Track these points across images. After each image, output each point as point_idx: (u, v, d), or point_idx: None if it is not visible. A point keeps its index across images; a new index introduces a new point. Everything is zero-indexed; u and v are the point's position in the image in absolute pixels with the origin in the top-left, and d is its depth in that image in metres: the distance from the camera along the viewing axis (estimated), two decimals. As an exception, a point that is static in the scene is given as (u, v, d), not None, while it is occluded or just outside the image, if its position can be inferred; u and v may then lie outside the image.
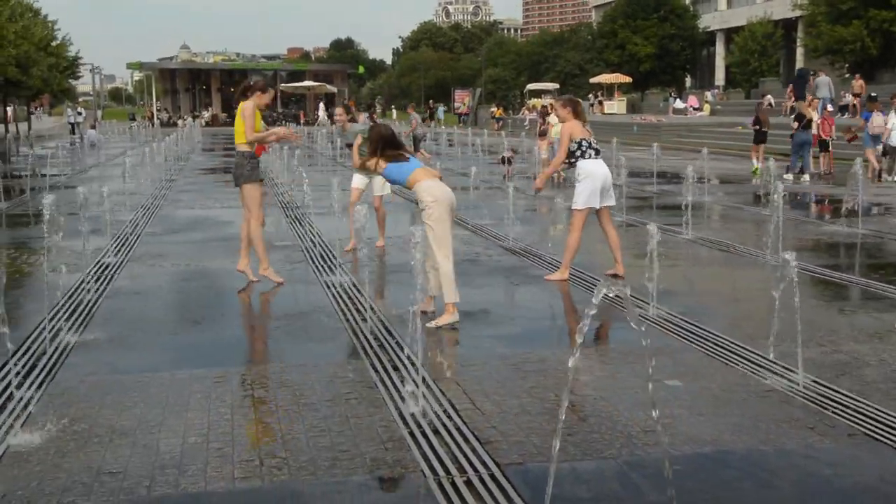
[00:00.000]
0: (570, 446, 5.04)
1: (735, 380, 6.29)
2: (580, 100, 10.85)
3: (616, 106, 59.85)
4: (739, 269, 10.40)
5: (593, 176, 9.47)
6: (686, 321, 7.89)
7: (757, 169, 22.88)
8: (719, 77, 71.16)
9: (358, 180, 11.91)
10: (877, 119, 21.21)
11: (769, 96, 41.80)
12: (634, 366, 6.65)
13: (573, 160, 9.58)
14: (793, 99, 33.67)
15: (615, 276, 9.62)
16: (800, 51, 57.96)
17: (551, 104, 26.35)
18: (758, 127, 23.95)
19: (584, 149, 9.51)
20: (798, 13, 52.06)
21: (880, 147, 21.11)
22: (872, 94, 25.38)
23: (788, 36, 61.10)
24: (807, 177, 21.34)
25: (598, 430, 5.34)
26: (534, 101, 62.78)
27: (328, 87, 70.55)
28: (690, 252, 11.67)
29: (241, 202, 9.54)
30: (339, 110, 12.75)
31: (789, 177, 21.20)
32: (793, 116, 23.23)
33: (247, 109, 9.20)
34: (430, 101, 75.85)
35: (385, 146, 7.96)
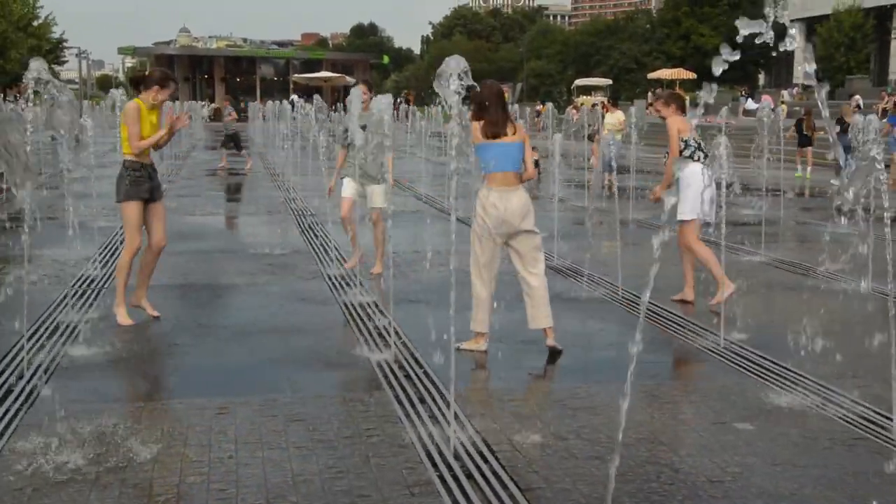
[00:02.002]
0: (624, 497, 5.02)
1: (817, 425, 6.24)
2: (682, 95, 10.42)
3: (678, 105, 59.65)
4: (822, 297, 10.32)
5: (700, 182, 9.42)
6: (759, 355, 7.85)
7: (799, 174, 25.71)
8: (799, 74, 70.82)
9: (349, 189, 11.08)
10: None
11: (857, 96, 41.58)
12: (699, 405, 6.62)
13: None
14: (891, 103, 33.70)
15: (683, 301, 9.60)
16: (895, 44, 57.57)
17: (603, 103, 26.41)
18: (799, 132, 26.75)
19: (692, 149, 9.53)
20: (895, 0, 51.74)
21: None
22: None
23: (881, 27, 60.67)
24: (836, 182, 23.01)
25: (657, 478, 5.31)
26: (582, 98, 62.77)
27: (347, 78, 71.06)
28: (764, 276, 11.60)
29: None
30: (363, 87, 11.14)
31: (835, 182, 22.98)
32: (835, 121, 25.46)
33: (129, 113, 8.42)
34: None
35: (491, 106, 7.67)
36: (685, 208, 9.48)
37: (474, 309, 7.81)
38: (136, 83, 8.66)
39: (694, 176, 9.46)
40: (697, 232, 9.62)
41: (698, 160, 9.53)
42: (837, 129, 24.03)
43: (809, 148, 26.42)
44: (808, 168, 26.03)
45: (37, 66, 7.68)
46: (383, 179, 10.56)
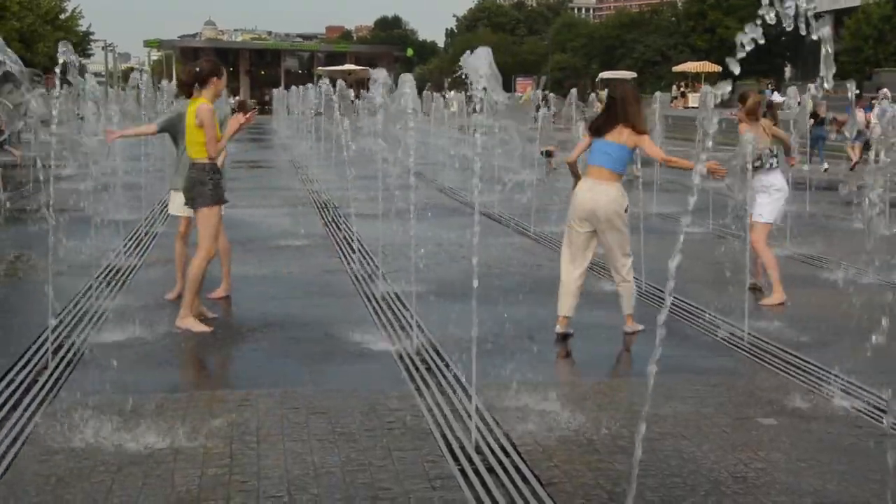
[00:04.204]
0: (647, 491, 5.00)
1: (843, 421, 6.19)
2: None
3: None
4: (847, 291, 10.23)
5: (785, 191, 9.88)
6: (784, 350, 7.79)
7: None
8: (823, 68, 70.12)
9: (178, 204, 9.15)
10: (859, 115, 26.03)
11: (885, 90, 41.15)
12: (722, 399, 6.58)
13: (762, 165, 9.65)
14: None
15: (777, 304, 9.52)
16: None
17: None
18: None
19: (776, 156, 9.83)
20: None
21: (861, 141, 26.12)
22: (857, 92, 29.60)
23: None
24: (826, 165, 25.21)
25: (679, 473, 5.29)
26: (606, 91, 62.55)
27: (370, 71, 70.84)
28: (787, 270, 11.50)
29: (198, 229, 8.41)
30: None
31: (825, 166, 24.92)
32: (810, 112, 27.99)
33: (204, 113, 8.01)
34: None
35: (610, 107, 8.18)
36: (766, 211, 9.68)
37: (560, 297, 8.16)
38: (191, 85, 8.27)
39: (783, 187, 9.78)
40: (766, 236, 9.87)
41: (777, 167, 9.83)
42: (811, 121, 26.12)
43: None
44: None
45: (65, 49, 7.68)
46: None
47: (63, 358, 7.36)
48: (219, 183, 8.30)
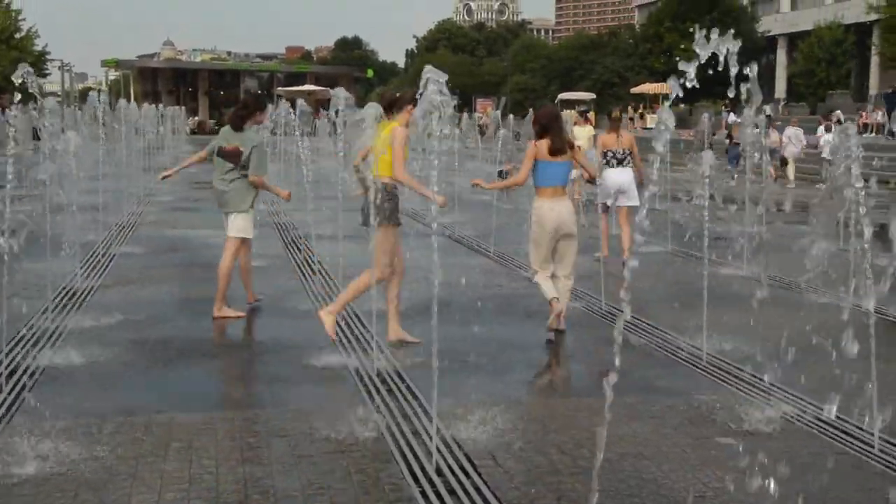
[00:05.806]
0: (607, 513, 5.00)
1: (799, 440, 6.24)
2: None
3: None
4: (806, 312, 10.34)
5: (605, 188, 12.72)
6: (742, 370, 7.84)
7: None
8: (780, 89, 71.21)
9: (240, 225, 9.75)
10: (773, 135, 28.03)
11: (838, 112, 41.80)
12: (682, 420, 6.61)
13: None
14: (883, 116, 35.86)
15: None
16: (874, 60, 57.98)
17: (578, 116, 27.04)
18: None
19: (616, 157, 13.22)
20: (874, 16, 52.13)
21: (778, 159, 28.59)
22: (769, 114, 31.19)
23: (862, 43, 61.16)
24: (733, 182, 26.90)
25: (639, 494, 5.30)
26: (565, 112, 62.99)
27: (331, 92, 70.80)
28: (747, 291, 11.58)
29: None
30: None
31: (732, 183, 26.31)
32: (725, 133, 32.56)
33: (398, 136, 8.30)
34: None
35: (550, 127, 8.93)
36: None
37: (543, 289, 8.94)
38: (390, 106, 8.56)
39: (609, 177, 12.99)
40: (605, 216, 13.41)
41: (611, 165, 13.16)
42: (728, 141, 29.90)
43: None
44: None
45: (23, 70, 7.69)
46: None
47: (17, 382, 7.25)
48: (396, 205, 8.40)
